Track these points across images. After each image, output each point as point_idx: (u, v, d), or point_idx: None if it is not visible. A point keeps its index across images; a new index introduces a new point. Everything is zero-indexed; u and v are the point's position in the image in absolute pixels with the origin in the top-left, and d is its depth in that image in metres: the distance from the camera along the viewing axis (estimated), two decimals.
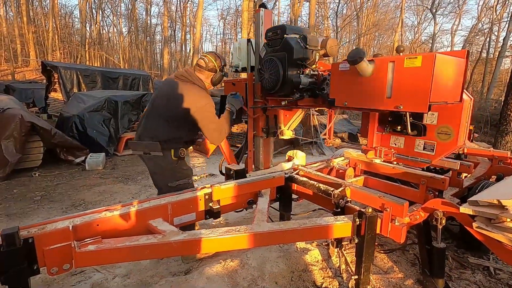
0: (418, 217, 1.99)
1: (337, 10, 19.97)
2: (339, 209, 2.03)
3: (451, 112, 1.91)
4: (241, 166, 2.36)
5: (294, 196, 2.51)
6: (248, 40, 2.50)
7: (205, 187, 2.05)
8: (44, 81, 11.57)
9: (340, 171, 2.75)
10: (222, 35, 32.29)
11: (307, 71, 2.20)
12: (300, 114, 2.88)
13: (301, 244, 2.48)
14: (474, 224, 1.75)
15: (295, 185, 2.40)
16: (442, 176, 2.25)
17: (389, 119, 2.10)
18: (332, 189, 2.05)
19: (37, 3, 27.29)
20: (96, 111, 6.30)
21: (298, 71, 2.18)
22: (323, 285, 2.09)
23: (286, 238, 1.82)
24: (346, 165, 2.80)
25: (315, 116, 7.46)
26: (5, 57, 23.90)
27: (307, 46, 2.18)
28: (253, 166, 2.82)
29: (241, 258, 2.25)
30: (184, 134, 2.37)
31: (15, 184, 4.40)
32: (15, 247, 1.36)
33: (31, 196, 3.99)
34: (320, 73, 2.24)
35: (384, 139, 2.27)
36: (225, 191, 2.04)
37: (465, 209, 1.80)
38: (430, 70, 1.50)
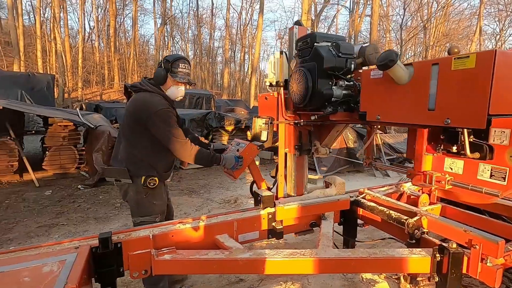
0: None
1: (402, 22, 18.87)
2: (413, 241, 1.85)
3: None
4: (271, 192, 2.15)
5: (359, 221, 2.37)
6: (281, 52, 2.33)
7: (268, 206, 2.08)
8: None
9: (412, 197, 2.51)
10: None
11: (340, 82, 1.94)
12: (339, 130, 2.58)
13: (367, 275, 2.30)
14: None
15: (361, 209, 2.27)
16: None
17: (442, 137, 1.77)
18: (406, 217, 1.88)
19: (122, 34, 31.98)
20: None
21: (330, 82, 1.94)
22: None
23: (354, 267, 1.71)
24: (419, 191, 2.55)
25: (378, 134, 7.02)
26: (96, 81, 28.31)
27: (340, 55, 1.93)
28: (284, 192, 2.44)
29: (302, 282, 2.19)
30: (143, 153, 2.05)
31: (100, 191, 5.07)
32: (108, 250, 1.56)
33: (113, 203, 4.54)
34: (357, 84, 1.97)
35: (437, 161, 1.96)
36: (288, 212, 2.04)
37: None
38: (488, 72, 1.17)
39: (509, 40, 23.04)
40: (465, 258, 1.60)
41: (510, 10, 20.08)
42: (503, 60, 1.18)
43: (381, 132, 7.38)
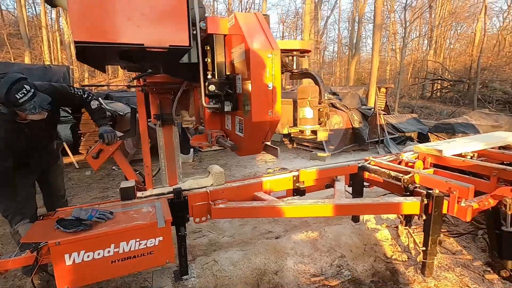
0: (486, 203, 2.22)
1: (406, 3, 18.76)
2: (408, 193, 2.38)
3: None
4: (131, 183, 2.13)
5: (365, 184, 2.90)
6: None
7: (292, 170, 2.62)
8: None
9: (410, 163, 3.03)
10: (281, 38, 32.93)
11: None
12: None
13: (371, 225, 2.86)
14: None
15: (367, 173, 2.80)
16: None
17: None
18: (402, 175, 2.41)
19: None
20: None
21: None
22: (393, 257, 2.46)
23: (362, 210, 2.28)
24: (416, 159, 3.06)
25: (381, 115, 7.47)
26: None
27: None
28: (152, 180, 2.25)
29: (319, 231, 2.75)
30: None
31: None
32: (181, 200, 2.12)
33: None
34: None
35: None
36: (309, 174, 2.58)
37: None
38: None
39: None
40: (445, 202, 2.14)
41: None
42: None
43: (385, 113, 7.82)
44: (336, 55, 30.29)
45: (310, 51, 1.70)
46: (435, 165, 2.99)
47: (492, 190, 2.41)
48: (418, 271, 2.26)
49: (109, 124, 2.25)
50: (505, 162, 2.88)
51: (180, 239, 2.10)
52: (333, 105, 6.86)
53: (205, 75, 1.32)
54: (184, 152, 6.23)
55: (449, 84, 19.97)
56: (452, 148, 2.92)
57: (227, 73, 1.39)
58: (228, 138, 1.58)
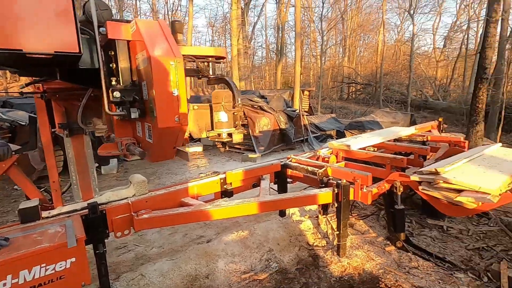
0: (383, 187, 2.64)
1: (322, 13, 20.87)
2: (323, 185, 2.67)
3: None
4: (33, 202, 1.82)
5: (289, 180, 3.14)
6: None
7: (219, 173, 2.67)
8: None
9: (325, 158, 3.39)
10: (211, 42, 32.87)
11: None
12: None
13: (296, 217, 3.11)
14: (420, 187, 2.41)
15: (289, 170, 3.03)
16: (401, 157, 2.91)
17: None
18: (317, 169, 2.69)
19: None
20: None
21: None
22: (314, 244, 2.72)
23: (285, 204, 2.46)
24: (330, 154, 3.45)
25: (304, 116, 8.14)
26: None
27: None
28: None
29: (249, 229, 2.86)
30: None
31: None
32: (96, 215, 1.96)
33: None
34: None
35: None
36: (235, 176, 2.66)
37: (414, 177, 2.46)
38: None
39: (407, 32, 27.30)
40: (352, 189, 2.48)
41: (403, 7, 23.78)
42: None
43: (308, 114, 8.54)
44: (265, 60, 31.67)
45: (225, 57, 1.78)
46: (346, 159, 3.41)
47: (387, 176, 2.88)
48: (335, 253, 2.56)
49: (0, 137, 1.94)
50: (397, 152, 3.48)
51: (98, 258, 1.93)
52: (261, 108, 7.18)
53: (109, 81, 1.26)
54: (103, 163, 5.71)
55: (361, 87, 22.92)
56: (358, 143, 3.39)
57: (134, 80, 1.35)
58: (140, 145, 1.54)
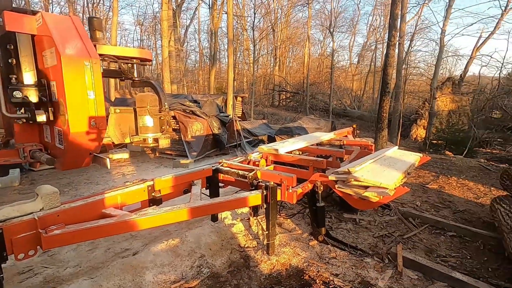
0: (307, 187, 2.89)
1: (253, 23, 21.70)
2: (253, 187, 2.77)
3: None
4: None
5: (220, 184, 3.17)
6: None
7: (147, 180, 2.54)
8: None
9: (256, 162, 3.53)
10: (139, 41, 30.83)
11: None
12: None
13: (228, 221, 3.15)
14: (336, 186, 2.72)
15: (221, 174, 3.06)
16: (322, 159, 3.24)
17: None
18: (248, 173, 2.79)
19: None
20: None
21: None
22: (246, 245, 2.80)
23: (216, 209, 2.48)
24: (260, 158, 3.61)
25: (237, 121, 8.31)
26: None
27: None
28: None
29: (180, 237, 2.78)
30: None
31: None
32: None
33: None
34: None
35: None
36: (165, 182, 2.57)
37: (331, 177, 2.76)
38: None
39: (329, 47, 30.40)
40: (279, 191, 2.64)
41: (325, 25, 26.59)
42: None
43: (240, 119, 8.73)
44: (198, 64, 31.18)
45: (150, 60, 1.72)
46: (275, 162, 3.62)
47: (310, 177, 3.16)
48: (265, 252, 2.68)
49: None
50: (319, 155, 3.85)
51: None
52: (193, 113, 7.05)
53: (8, 78, 1.09)
54: (0, 174, 4.79)
55: (290, 95, 24.56)
56: (285, 147, 3.63)
57: (40, 79, 1.20)
58: (49, 152, 1.37)
